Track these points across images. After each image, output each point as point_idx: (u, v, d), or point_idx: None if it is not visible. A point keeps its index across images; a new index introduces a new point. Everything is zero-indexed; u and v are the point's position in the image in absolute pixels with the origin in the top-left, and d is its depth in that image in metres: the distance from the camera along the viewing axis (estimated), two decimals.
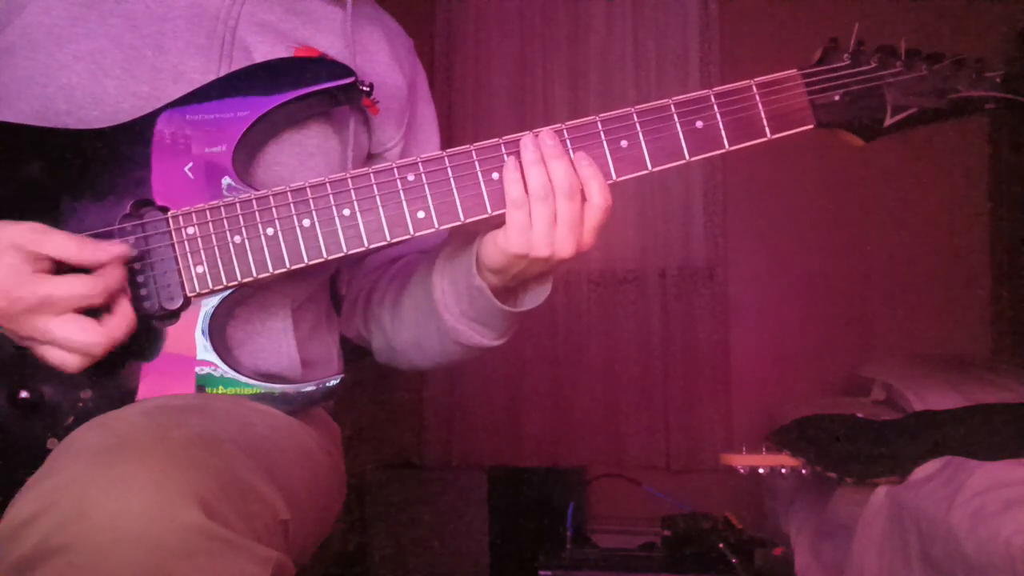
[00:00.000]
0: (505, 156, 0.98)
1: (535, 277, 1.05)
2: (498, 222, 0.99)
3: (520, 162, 0.97)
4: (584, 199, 0.97)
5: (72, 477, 0.71)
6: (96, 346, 0.88)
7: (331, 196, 0.97)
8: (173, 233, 0.96)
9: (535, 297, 1.07)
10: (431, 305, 1.09)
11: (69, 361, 0.88)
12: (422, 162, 0.99)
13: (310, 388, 1.00)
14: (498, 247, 0.99)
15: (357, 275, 1.26)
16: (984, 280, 3.30)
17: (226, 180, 0.97)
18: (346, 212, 0.97)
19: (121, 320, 0.90)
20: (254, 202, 0.97)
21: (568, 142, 0.99)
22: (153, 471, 0.71)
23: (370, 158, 1.19)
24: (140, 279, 0.95)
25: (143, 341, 0.95)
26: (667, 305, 3.47)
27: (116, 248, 0.91)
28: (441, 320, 1.08)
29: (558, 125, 0.99)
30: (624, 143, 0.99)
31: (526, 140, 0.97)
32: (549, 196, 0.96)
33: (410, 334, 1.15)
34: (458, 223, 0.99)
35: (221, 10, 1.07)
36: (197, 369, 0.95)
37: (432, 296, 1.08)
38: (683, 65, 3.49)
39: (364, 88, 1.06)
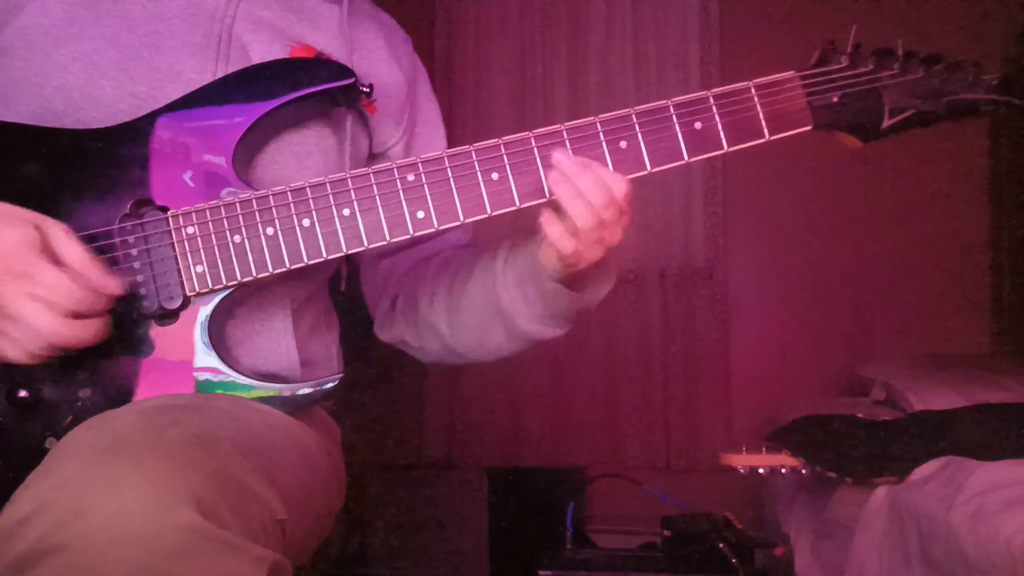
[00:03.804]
0: (505, 157, 0.98)
1: (595, 265, 1.05)
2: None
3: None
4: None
5: (68, 477, 0.71)
6: (44, 330, 0.85)
7: (331, 196, 0.97)
8: (173, 233, 0.96)
9: (602, 286, 1.09)
10: (498, 310, 1.09)
11: (22, 339, 0.85)
12: (422, 162, 0.99)
13: (307, 390, 1.00)
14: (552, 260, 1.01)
15: (390, 278, 1.24)
16: (984, 280, 3.30)
17: (226, 189, 0.97)
18: (346, 212, 0.98)
19: (86, 328, 0.88)
20: (254, 202, 0.97)
21: (567, 143, 0.99)
22: (149, 471, 0.71)
23: (372, 158, 1.19)
24: (140, 279, 0.95)
25: (132, 338, 0.95)
26: (667, 305, 3.47)
27: (114, 283, 0.90)
28: (513, 324, 1.09)
29: (557, 126, 0.99)
30: (623, 144, 0.99)
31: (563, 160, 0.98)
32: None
33: (473, 337, 1.15)
34: (457, 223, 0.99)
35: (217, 8, 1.06)
36: (196, 372, 0.95)
37: (499, 304, 1.08)
38: (683, 65, 3.49)
39: (364, 89, 1.06)
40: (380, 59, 1.19)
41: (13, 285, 0.84)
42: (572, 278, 1.05)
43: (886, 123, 1.01)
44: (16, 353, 0.87)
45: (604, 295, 1.10)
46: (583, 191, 0.96)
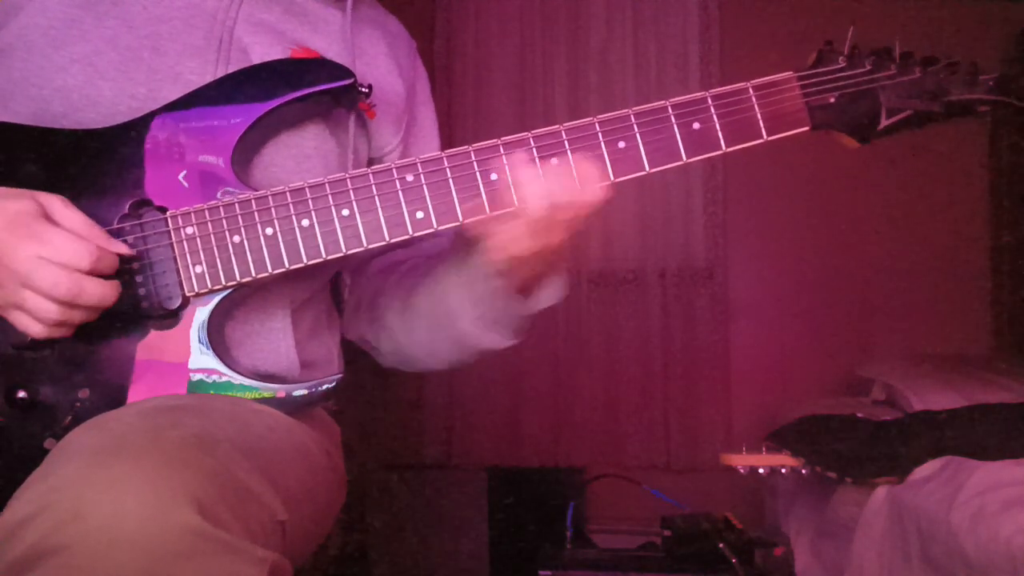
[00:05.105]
0: (504, 157, 0.98)
1: (547, 271, 1.05)
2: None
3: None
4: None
5: (68, 478, 0.71)
6: (57, 289, 0.85)
7: (330, 196, 0.97)
8: (172, 233, 0.96)
9: (551, 294, 1.07)
10: (445, 310, 1.08)
11: (41, 309, 0.86)
12: (421, 163, 0.99)
13: (304, 390, 1.00)
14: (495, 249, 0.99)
15: (361, 279, 1.24)
16: (984, 280, 3.30)
17: (223, 189, 0.97)
18: (345, 212, 0.98)
19: (96, 285, 0.88)
20: (253, 202, 0.97)
21: (566, 143, 0.99)
22: (148, 472, 0.71)
23: (369, 163, 1.19)
24: (139, 279, 0.95)
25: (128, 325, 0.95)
26: (667, 305, 3.47)
27: (118, 244, 0.92)
28: (456, 326, 1.08)
29: (556, 127, 0.99)
30: (622, 144, 0.99)
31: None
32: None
33: (422, 339, 1.14)
34: (457, 223, 0.99)
35: (219, 10, 1.06)
36: (191, 373, 0.95)
37: (447, 302, 1.07)
38: (683, 65, 3.50)
39: (363, 89, 1.05)
40: (381, 65, 1.18)
41: (22, 250, 0.85)
42: (523, 287, 1.04)
43: (883, 123, 1.01)
44: (34, 326, 0.88)
45: (557, 300, 1.07)
46: (551, 184, 0.95)
